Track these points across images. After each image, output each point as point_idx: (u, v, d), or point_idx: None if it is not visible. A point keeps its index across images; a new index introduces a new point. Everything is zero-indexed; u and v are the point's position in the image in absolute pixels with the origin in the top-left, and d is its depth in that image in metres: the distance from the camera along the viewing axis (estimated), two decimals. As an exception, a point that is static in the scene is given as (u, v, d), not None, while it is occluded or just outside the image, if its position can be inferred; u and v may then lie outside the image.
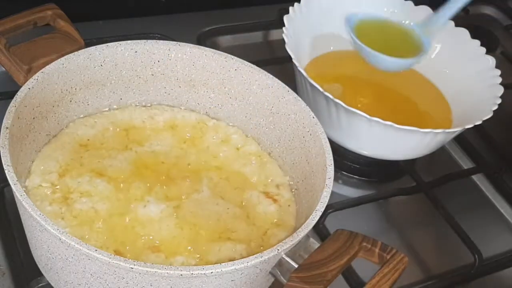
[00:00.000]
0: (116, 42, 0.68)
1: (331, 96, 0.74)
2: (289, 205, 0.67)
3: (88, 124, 0.69)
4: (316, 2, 0.88)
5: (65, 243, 0.51)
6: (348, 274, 0.70)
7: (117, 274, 0.52)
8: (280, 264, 0.56)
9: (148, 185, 0.64)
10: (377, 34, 0.84)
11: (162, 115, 0.72)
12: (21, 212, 0.57)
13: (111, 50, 0.67)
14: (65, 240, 0.51)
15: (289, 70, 0.80)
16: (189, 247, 0.60)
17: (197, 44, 0.71)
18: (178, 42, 0.70)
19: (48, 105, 0.64)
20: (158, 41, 0.70)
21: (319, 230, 0.73)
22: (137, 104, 0.72)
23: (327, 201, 0.59)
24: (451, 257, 0.79)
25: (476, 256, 0.75)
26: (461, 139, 0.91)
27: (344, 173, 0.85)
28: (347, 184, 0.85)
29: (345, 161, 0.84)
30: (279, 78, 0.69)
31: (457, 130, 0.77)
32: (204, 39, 0.95)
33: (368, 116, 0.73)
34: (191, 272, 0.51)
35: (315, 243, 0.57)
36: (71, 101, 0.67)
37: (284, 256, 0.56)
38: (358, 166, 0.85)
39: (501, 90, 0.82)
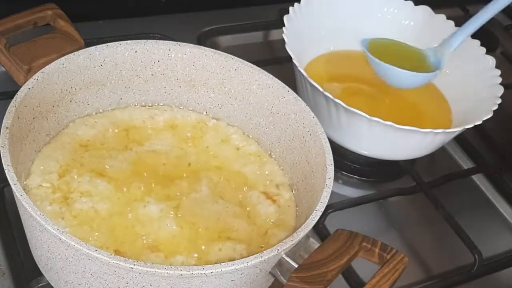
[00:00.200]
0: (116, 42, 0.68)
1: (331, 96, 0.74)
2: (289, 205, 0.67)
3: (88, 124, 0.69)
4: (316, 2, 0.88)
5: (65, 243, 0.51)
6: (348, 274, 0.70)
7: (117, 274, 0.52)
8: (280, 264, 0.56)
9: (148, 185, 0.64)
10: (389, 54, 0.83)
11: (162, 115, 0.72)
12: (21, 212, 0.57)
13: (111, 50, 0.67)
14: (65, 240, 0.51)
15: (289, 70, 0.80)
16: (189, 247, 0.60)
17: (197, 44, 0.71)
18: (178, 42, 0.70)
19: (48, 105, 0.64)
20: (158, 41, 0.70)
21: (319, 230, 0.73)
22: (137, 104, 0.72)
23: (327, 201, 0.59)
24: (451, 257, 0.79)
25: (476, 256, 0.75)
26: (461, 139, 0.91)
27: (344, 173, 0.85)
28: (347, 184, 0.85)
29: (345, 161, 0.84)
30: (279, 78, 0.69)
31: (457, 130, 0.77)
32: (204, 39, 0.95)
33: (368, 116, 0.73)
34: (191, 272, 0.51)
35: (315, 243, 0.57)
36: (71, 101, 0.67)
37: (284, 256, 0.56)
38: (358, 166, 0.85)
39: (501, 90, 0.82)
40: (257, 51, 0.98)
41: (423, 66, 0.85)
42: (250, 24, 1.01)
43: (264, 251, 0.54)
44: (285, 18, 0.83)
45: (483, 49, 0.88)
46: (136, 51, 0.69)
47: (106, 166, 0.65)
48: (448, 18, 0.91)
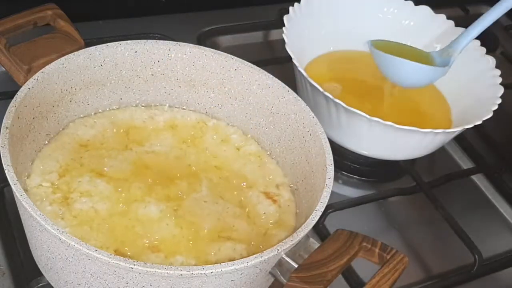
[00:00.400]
0: (116, 42, 0.68)
1: (331, 96, 0.74)
2: (289, 205, 0.67)
3: (88, 124, 0.69)
4: (316, 2, 0.88)
5: (65, 243, 0.51)
6: (348, 274, 0.70)
7: (117, 274, 0.52)
8: (280, 264, 0.56)
9: (148, 185, 0.64)
10: (394, 54, 0.83)
11: (162, 115, 0.72)
12: (21, 212, 0.57)
13: (111, 50, 0.67)
14: (65, 240, 0.51)
15: (289, 70, 0.80)
16: (189, 247, 0.60)
17: (197, 44, 0.71)
18: (178, 42, 0.70)
19: (48, 105, 0.64)
20: (158, 41, 0.70)
21: (319, 230, 0.73)
22: (137, 104, 0.72)
23: (327, 201, 0.59)
24: (451, 257, 0.79)
25: (476, 256, 0.75)
26: (461, 139, 0.91)
27: (344, 173, 0.85)
28: (347, 184, 0.85)
29: (345, 161, 0.84)
30: (279, 78, 0.69)
31: (457, 130, 0.77)
32: (204, 39, 0.95)
33: (368, 116, 0.73)
34: (191, 272, 0.51)
35: (315, 243, 0.57)
36: (71, 101, 0.67)
37: (284, 256, 0.56)
38: (358, 166, 0.85)
39: (501, 90, 0.82)
40: (257, 51, 0.98)
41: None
42: (250, 24, 1.01)
43: (264, 251, 0.54)
44: (285, 18, 0.83)
45: (483, 49, 0.88)
46: (136, 51, 0.69)
47: (106, 166, 0.65)
48: (448, 18, 0.91)
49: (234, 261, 0.53)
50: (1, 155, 0.55)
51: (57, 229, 0.51)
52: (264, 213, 0.65)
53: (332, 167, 0.62)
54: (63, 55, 0.65)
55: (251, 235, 0.63)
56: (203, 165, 0.68)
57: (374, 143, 0.78)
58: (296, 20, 0.84)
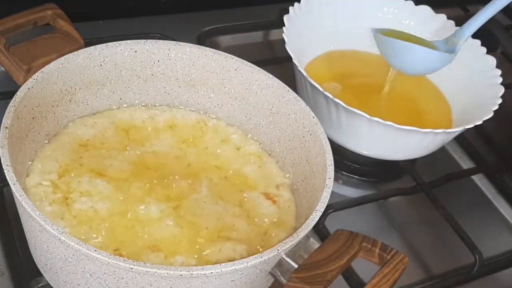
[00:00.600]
0: (116, 42, 0.68)
1: (331, 96, 0.74)
2: (289, 206, 0.67)
3: (88, 124, 0.69)
4: (316, 2, 0.88)
5: (64, 243, 0.51)
6: (348, 274, 0.70)
7: (117, 274, 0.52)
8: (280, 264, 0.56)
9: (148, 185, 0.64)
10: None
11: (162, 115, 0.72)
12: (20, 212, 0.57)
13: (111, 50, 0.67)
14: (65, 240, 0.51)
15: (289, 70, 0.80)
16: (189, 247, 0.60)
17: (197, 44, 0.71)
18: (178, 42, 0.70)
19: (48, 105, 0.64)
20: (158, 41, 0.70)
21: (319, 230, 0.73)
22: (137, 104, 0.72)
23: (327, 201, 0.59)
24: (451, 257, 0.79)
25: (476, 256, 0.75)
26: (461, 139, 0.91)
27: (344, 173, 0.85)
28: (347, 184, 0.85)
29: (345, 161, 0.84)
30: (279, 78, 0.69)
31: (457, 130, 0.77)
32: (204, 39, 0.95)
33: (368, 116, 0.73)
34: (191, 272, 0.51)
35: (315, 243, 0.57)
36: (70, 101, 0.67)
37: (284, 256, 0.56)
38: (358, 166, 0.85)
39: (501, 90, 0.82)
40: (257, 51, 0.98)
41: None
42: (250, 24, 1.01)
43: (264, 251, 0.54)
44: (285, 18, 0.83)
45: (484, 49, 0.88)
46: (136, 51, 0.69)
47: (106, 166, 0.65)
48: (448, 18, 0.91)
49: (234, 261, 0.53)
50: (1, 155, 0.55)
51: (57, 229, 0.51)
52: (264, 213, 0.65)
53: (332, 167, 0.62)
54: (63, 55, 0.65)
55: (251, 235, 0.63)
56: (203, 165, 0.68)
57: (374, 143, 0.78)
58: (296, 20, 0.84)
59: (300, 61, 0.79)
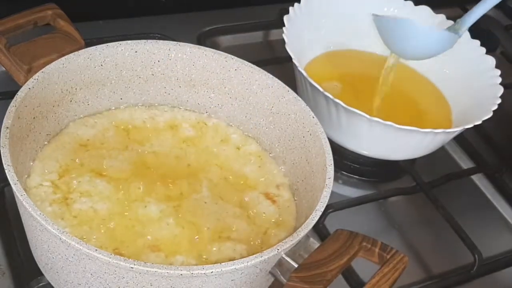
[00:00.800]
0: (116, 42, 0.68)
1: (331, 96, 0.74)
2: (289, 205, 0.67)
3: (88, 124, 0.69)
4: (316, 2, 0.88)
5: (65, 243, 0.51)
6: (348, 274, 0.70)
7: (117, 274, 0.52)
8: (280, 264, 0.56)
9: (148, 185, 0.64)
10: None
11: (162, 115, 0.72)
12: (21, 211, 0.57)
13: (111, 50, 0.67)
14: (65, 239, 0.51)
15: (289, 70, 0.80)
16: (189, 247, 0.60)
17: (197, 44, 0.71)
18: (178, 42, 0.70)
19: (48, 105, 0.64)
20: (158, 41, 0.70)
21: (319, 230, 0.73)
22: (137, 104, 0.72)
23: (327, 201, 0.59)
24: (451, 257, 0.79)
25: (476, 256, 0.75)
26: (461, 139, 0.91)
27: (344, 173, 0.85)
28: (347, 184, 0.85)
29: (345, 161, 0.84)
30: (279, 78, 0.69)
31: (457, 130, 0.77)
32: (204, 39, 0.95)
33: (368, 116, 0.73)
34: (191, 272, 0.51)
35: (315, 243, 0.57)
36: (71, 101, 0.67)
37: (284, 256, 0.56)
38: (358, 166, 0.85)
39: (501, 90, 0.82)
40: (257, 51, 0.98)
41: None
42: (250, 24, 1.01)
43: (264, 251, 0.54)
44: (285, 18, 0.83)
45: (483, 49, 0.88)
46: (136, 51, 0.69)
47: (106, 166, 0.65)
48: (448, 18, 0.91)
49: (234, 261, 0.53)
50: (2, 155, 0.55)
51: (58, 229, 0.51)
52: (264, 213, 0.65)
53: (332, 167, 0.62)
54: (63, 55, 0.65)
55: (251, 235, 0.63)
56: (203, 165, 0.68)
57: (374, 143, 0.78)
58: (296, 20, 0.84)
59: (300, 61, 0.79)
